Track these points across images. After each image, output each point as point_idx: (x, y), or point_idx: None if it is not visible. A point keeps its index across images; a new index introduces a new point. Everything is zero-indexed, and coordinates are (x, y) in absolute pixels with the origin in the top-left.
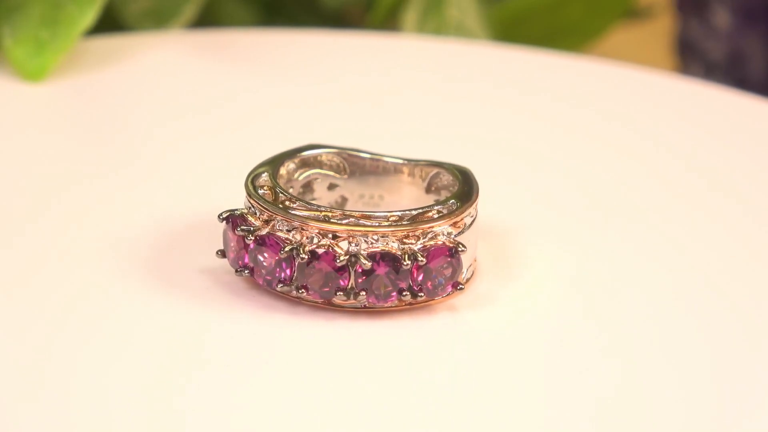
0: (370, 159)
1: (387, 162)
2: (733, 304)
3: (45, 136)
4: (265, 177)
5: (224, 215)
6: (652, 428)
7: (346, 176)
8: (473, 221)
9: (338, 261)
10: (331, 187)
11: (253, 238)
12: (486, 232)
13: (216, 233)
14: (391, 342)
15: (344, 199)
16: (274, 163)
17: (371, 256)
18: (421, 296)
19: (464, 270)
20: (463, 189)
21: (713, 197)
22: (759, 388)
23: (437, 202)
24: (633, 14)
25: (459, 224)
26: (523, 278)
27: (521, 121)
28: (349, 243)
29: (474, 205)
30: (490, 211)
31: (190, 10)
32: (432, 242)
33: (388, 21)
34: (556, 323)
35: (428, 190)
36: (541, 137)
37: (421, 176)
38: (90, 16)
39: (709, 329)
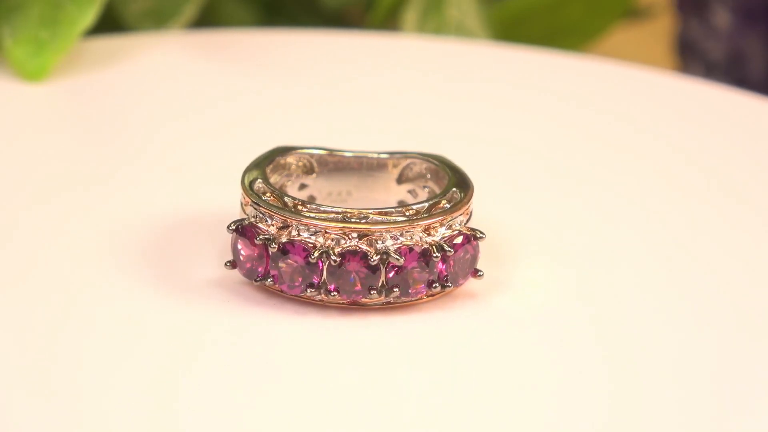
0: (334, 156)
1: (352, 157)
2: (735, 305)
3: (45, 136)
4: (260, 183)
5: (233, 226)
6: (653, 427)
7: (314, 175)
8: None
9: (372, 260)
10: (302, 187)
11: (276, 245)
12: (485, 232)
13: (216, 233)
14: (416, 334)
15: (312, 198)
16: (259, 168)
17: (401, 252)
18: (449, 286)
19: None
20: (456, 177)
21: (714, 196)
22: (759, 388)
23: (438, 194)
24: (633, 14)
25: (467, 212)
26: (525, 276)
27: (521, 121)
28: (375, 241)
29: (471, 195)
30: (490, 210)
31: (190, 10)
32: (450, 232)
33: (388, 21)
34: (556, 321)
35: (399, 181)
36: (541, 136)
37: (393, 168)
38: (90, 16)
39: (710, 328)
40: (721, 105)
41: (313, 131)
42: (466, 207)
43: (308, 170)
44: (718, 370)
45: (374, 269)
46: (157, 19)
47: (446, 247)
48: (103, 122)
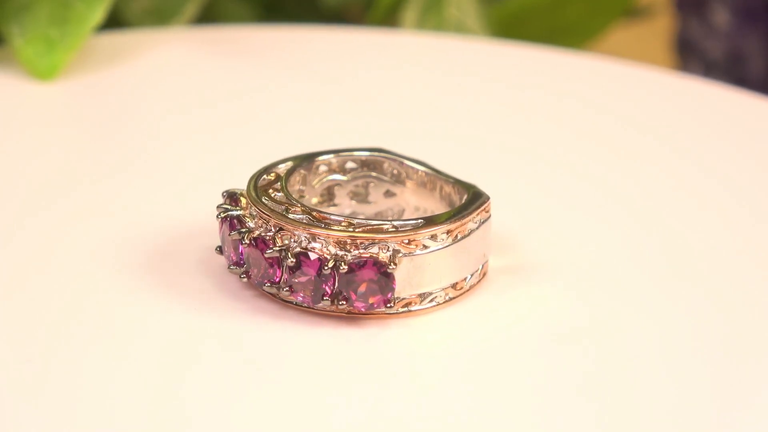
0: (424, 173)
1: (435, 177)
2: (734, 305)
3: (58, 135)
4: (285, 165)
5: (225, 193)
6: None
7: (403, 186)
8: (445, 246)
9: (266, 252)
10: (388, 194)
11: (221, 218)
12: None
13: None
14: (303, 348)
15: (402, 209)
16: (308, 157)
17: (302, 255)
18: (342, 304)
19: (429, 291)
20: (449, 212)
21: (713, 195)
22: (759, 394)
23: (410, 218)
24: (633, 13)
25: (415, 244)
26: (523, 276)
27: (520, 119)
28: (290, 239)
29: (444, 229)
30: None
31: (190, 9)
32: (369, 254)
33: (387, 20)
34: (555, 323)
35: None
36: (540, 135)
37: (442, 194)
38: (99, 13)
39: (709, 333)
40: (720, 104)
41: (313, 129)
42: (409, 237)
43: (398, 180)
44: (718, 381)
45: (270, 263)
46: (158, 17)
47: (342, 265)
48: (113, 120)
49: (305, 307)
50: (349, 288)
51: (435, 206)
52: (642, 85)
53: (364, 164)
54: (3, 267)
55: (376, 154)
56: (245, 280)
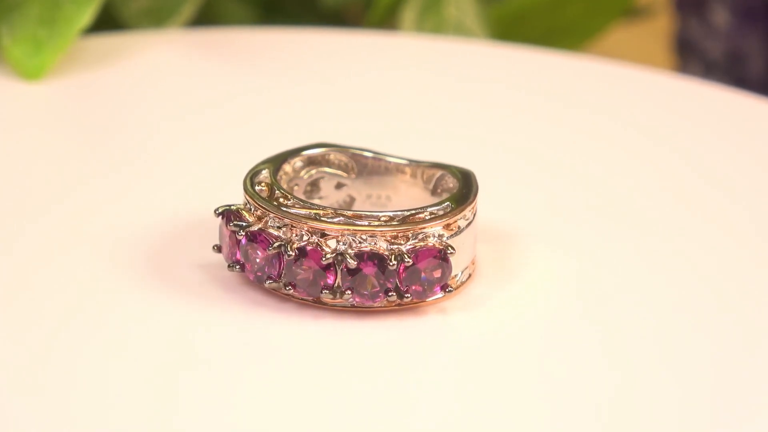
0: (375, 159)
1: (391, 162)
2: (731, 303)
3: (44, 135)
4: (265, 174)
5: (220, 210)
6: None
7: (353, 176)
8: (469, 224)
9: (324, 259)
10: (339, 186)
11: (244, 233)
12: (483, 233)
13: (215, 232)
14: (379, 342)
15: (352, 199)
16: (276, 161)
17: (358, 256)
18: (408, 297)
19: (458, 272)
20: (461, 191)
21: (712, 196)
22: (758, 393)
23: (432, 204)
24: (632, 13)
25: (452, 226)
26: (520, 281)
27: (520, 120)
28: (338, 242)
29: (470, 208)
30: (488, 210)
31: (188, 9)
32: (421, 243)
33: (386, 20)
34: (550, 327)
35: (434, 193)
36: (539, 136)
37: (424, 178)
38: (88, 15)
39: (708, 332)
40: (720, 105)
41: (312, 129)
42: (449, 221)
43: (346, 169)
44: (716, 375)
45: (328, 268)
46: (156, 18)
47: (406, 258)
48: (101, 121)
49: (348, 306)
50: (414, 280)
51: (391, 190)
52: (641, 85)
53: (311, 161)
54: (2, 267)
55: (334, 149)
56: (291, 291)
